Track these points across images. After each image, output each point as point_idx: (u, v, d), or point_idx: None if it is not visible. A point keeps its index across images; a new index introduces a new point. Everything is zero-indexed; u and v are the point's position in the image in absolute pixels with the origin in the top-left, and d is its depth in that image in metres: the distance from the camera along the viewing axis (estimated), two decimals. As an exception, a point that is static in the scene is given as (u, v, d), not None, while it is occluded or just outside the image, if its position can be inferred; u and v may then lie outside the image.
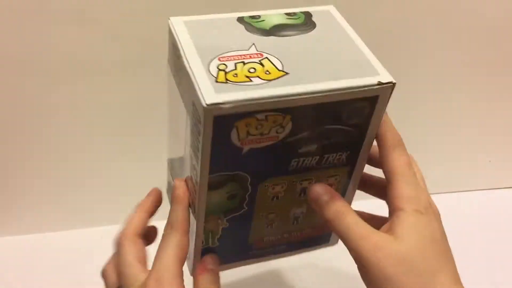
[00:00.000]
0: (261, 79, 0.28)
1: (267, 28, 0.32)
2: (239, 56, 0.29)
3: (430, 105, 0.59)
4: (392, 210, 0.31)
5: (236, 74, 0.28)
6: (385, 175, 0.32)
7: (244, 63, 0.29)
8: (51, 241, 0.61)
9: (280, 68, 0.29)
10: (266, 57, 0.29)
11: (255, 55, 0.30)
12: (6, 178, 0.59)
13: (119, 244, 0.35)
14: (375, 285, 0.29)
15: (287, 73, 0.28)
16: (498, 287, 0.52)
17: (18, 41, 0.51)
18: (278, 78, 0.28)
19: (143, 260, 0.34)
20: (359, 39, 0.34)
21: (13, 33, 0.50)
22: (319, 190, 0.32)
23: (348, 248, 0.31)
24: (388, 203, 0.32)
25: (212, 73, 0.28)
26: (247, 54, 0.30)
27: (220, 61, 0.29)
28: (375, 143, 0.34)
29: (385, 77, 0.30)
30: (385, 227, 0.31)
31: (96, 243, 0.60)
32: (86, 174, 0.59)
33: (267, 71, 0.28)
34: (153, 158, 0.59)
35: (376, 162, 0.35)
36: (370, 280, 0.29)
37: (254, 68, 0.29)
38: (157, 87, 0.55)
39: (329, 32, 0.34)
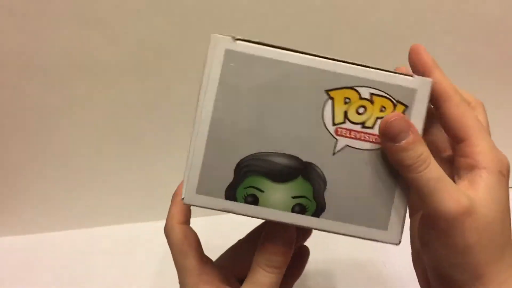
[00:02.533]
0: None
1: None
2: None
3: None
4: (472, 166, 0.28)
5: None
6: (456, 131, 0.28)
7: None
8: (51, 241, 0.61)
9: None
10: None
11: None
12: (6, 178, 0.59)
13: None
14: (452, 252, 0.26)
15: None
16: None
17: (18, 41, 0.51)
18: None
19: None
20: None
21: (13, 33, 0.50)
22: (400, 124, 0.26)
23: (427, 205, 0.26)
24: (463, 157, 0.28)
25: None
26: None
27: None
28: None
29: None
30: (464, 184, 0.27)
31: (96, 243, 0.60)
32: (86, 174, 0.59)
33: None
34: (154, 158, 0.59)
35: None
36: (447, 245, 0.26)
37: None
38: (157, 87, 0.55)
39: None
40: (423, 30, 0.54)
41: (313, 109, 0.27)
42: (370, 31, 0.53)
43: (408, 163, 0.26)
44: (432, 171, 0.26)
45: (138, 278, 0.55)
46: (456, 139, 0.29)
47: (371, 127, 0.28)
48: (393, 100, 0.28)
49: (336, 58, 0.28)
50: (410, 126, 0.26)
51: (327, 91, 0.27)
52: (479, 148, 0.28)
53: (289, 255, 0.28)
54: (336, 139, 0.28)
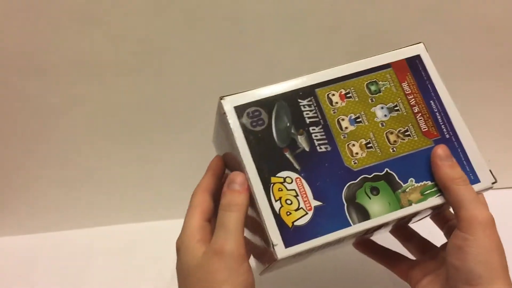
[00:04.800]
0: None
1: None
2: None
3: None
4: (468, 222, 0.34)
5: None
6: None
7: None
8: (51, 241, 0.61)
9: None
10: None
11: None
12: (6, 178, 0.59)
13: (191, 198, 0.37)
14: (481, 250, 0.32)
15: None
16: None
17: (18, 41, 0.51)
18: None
19: (206, 213, 0.35)
20: None
21: (14, 33, 0.50)
22: (446, 150, 0.35)
23: (466, 211, 0.33)
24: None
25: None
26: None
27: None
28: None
29: None
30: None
31: (96, 243, 0.60)
32: (86, 174, 0.59)
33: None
34: (153, 158, 0.59)
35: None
36: (478, 245, 0.33)
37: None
38: (157, 87, 0.55)
39: None
40: (423, 30, 0.54)
41: None
42: (370, 31, 0.53)
43: (456, 176, 0.34)
44: (471, 188, 0.34)
45: (138, 278, 0.55)
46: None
47: None
48: None
49: None
50: (450, 155, 0.36)
51: None
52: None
53: (244, 196, 0.33)
54: None
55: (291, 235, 0.33)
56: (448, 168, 0.35)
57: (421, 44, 0.40)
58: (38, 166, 0.58)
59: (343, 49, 0.53)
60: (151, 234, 0.59)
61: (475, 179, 0.36)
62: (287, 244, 0.33)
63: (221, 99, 0.35)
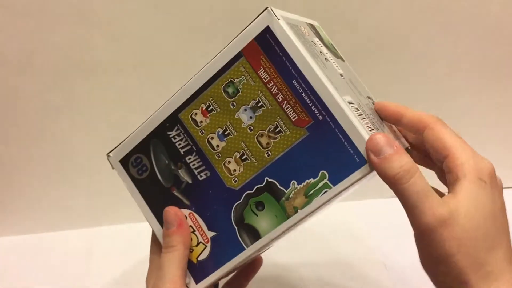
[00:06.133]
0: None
1: None
2: None
3: (429, 106, 0.58)
4: (454, 179, 0.29)
5: None
6: (439, 152, 0.30)
7: None
8: (51, 241, 0.61)
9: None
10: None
11: None
12: (6, 178, 0.59)
13: None
14: (435, 262, 0.28)
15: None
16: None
17: (18, 41, 0.51)
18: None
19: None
20: None
21: (14, 33, 0.50)
22: (381, 140, 0.28)
23: (409, 218, 0.28)
24: (449, 173, 0.30)
25: None
26: None
27: None
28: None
29: None
30: (449, 196, 0.28)
31: (96, 243, 0.60)
32: (86, 174, 0.59)
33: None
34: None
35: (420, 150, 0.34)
36: (430, 256, 0.28)
37: None
38: (157, 87, 0.55)
39: None
40: (423, 30, 0.54)
41: None
42: (370, 31, 0.53)
43: (391, 173, 0.27)
44: (419, 183, 0.27)
45: (138, 278, 0.55)
46: (441, 158, 0.30)
47: None
48: None
49: None
50: (393, 142, 0.28)
51: None
52: (459, 161, 0.29)
53: (177, 234, 0.33)
54: None
55: (198, 271, 0.34)
56: (383, 163, 0.27)
57: (268, 10, 0.30)
58: (38, 166, 0.58)
59: (342, 50, 0.53)
60: (151, 234, 0.58)
61: (361, 161, 0.29)
62: (197, 280, 0.34)
63: (107, 156, 0.36)
